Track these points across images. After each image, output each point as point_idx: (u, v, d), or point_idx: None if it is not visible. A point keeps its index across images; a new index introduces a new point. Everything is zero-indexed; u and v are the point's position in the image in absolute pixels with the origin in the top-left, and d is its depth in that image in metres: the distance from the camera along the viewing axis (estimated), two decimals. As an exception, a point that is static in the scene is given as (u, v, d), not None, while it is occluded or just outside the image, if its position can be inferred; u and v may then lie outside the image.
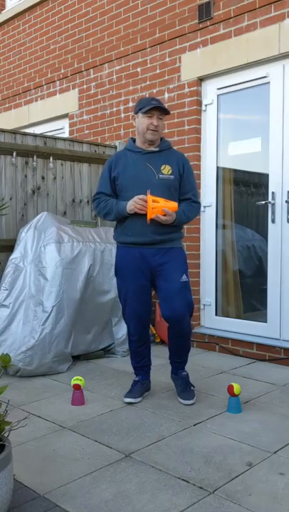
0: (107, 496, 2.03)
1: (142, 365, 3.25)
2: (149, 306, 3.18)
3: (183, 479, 2.17)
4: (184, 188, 3.13)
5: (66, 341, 3.84)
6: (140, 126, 3.07)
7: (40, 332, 3.69)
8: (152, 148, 3.10)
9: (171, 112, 4.74)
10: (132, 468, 2.27)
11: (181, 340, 3.14)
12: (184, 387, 3.15)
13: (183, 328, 3.08)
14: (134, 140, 3.20)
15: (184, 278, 3.06)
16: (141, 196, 2.93)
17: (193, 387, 3.19)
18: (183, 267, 3.10)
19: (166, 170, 3.06)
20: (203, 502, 1.99)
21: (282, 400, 3.18)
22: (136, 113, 3.12)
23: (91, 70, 5.64)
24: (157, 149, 3.11)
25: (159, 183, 3.03)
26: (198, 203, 3.18)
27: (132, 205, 2.96)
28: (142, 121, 3.06)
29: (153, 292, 3.20)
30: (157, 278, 3.08)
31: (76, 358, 4.08)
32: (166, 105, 3.20)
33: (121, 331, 4.26)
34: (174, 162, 3.10)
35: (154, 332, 4.73)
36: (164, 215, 2.92)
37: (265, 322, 4.22)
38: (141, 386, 3.18)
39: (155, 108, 3.02)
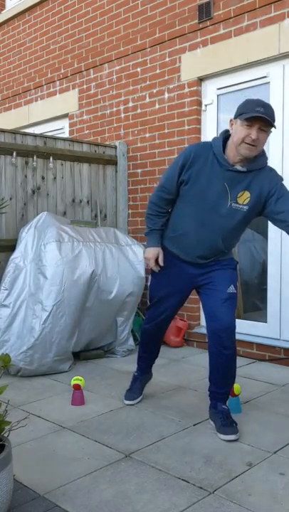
0: (107, 496, 2.03)
1: (147, 356, 3.12)
2: (175, 312, 2.94)
3: (183, 479, 2.17)
4: (279, 208, 2.53)
5: (67, 340, 3.83)
6: (235, 136, 2.49)
7: (41, 331, 3.69)
8: (239, 168, 2.54)
9: (171, 112, 4.75)
10: (132, 468, 2.27)
11: (223, 365, 2.68)
12: (225, 421, 2.62)
13: (226, 346, 2.64)
14: (225, 140, 2.59)
15: (232, 289, 2.67)
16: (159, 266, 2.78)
17: (236, 424, 2.62)
18: (230, 278, 2.70)
19: (243, 198, 2.55)
20: (203, 502, 1.99)
21: (282, 399, 3.18)
22: (235, 117, 2.53)
23: (91, 70, 5.64)
24: (244, 169, 2.54)
25: (227, 212, 2.57)
26: None
27: (147, 258, 2.82)
28: (238, 130, 2.47)
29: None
30: (202, 287, 2.76)
31: (76, 358, 4.08)
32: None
33: (124, 331, 4.27)
34: (258, 188, 2.56)
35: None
36: None
37: (265, 322, 4.22)
38: (140, 383, 3.15)
39: (258, 118, 2.43)
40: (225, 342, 2.63)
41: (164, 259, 2.82)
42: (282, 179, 2.64)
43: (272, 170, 2.68)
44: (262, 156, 2.60)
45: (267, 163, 2.64)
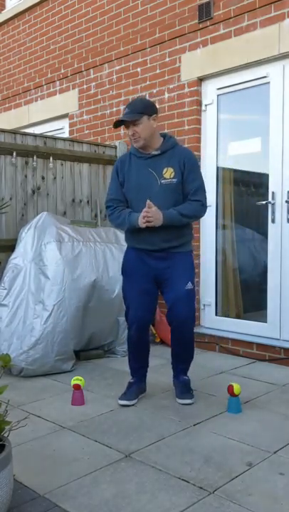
0: (107, 496, 2.03)
1: (139, 366, 3.23)
2: (151, 310, 3.15)
3: (183, 479, 2.17)
4: (185, 188, 2.98)
5: (69, 340, 3.82)
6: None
7: (42, 331, 3.69)
8: (154, 152, 3.00)
9: (171, 112, 4.75)
10: (132, 468, 2.27)
11: (184, 347, 3.16)
12: (183, 389, 3.13)
13: (184, 334, 3.10)
14: None
15: (189, 285, 3.03)
16: (145, 210, 2.87)
17: (192, 392, 3.15)
18: (188, 274, 3.05)
19: (169, 173, 2.95)
20: (203, 502, 1.99)
21: (282, 399, 3.18)
22: None
23: (91, 70, 5.64)
24: (158, 152, 3.00)
25: (161, 189, 2.95)
26: (199, 201, 2.99)
27: (141, 221, 2.90)
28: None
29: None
30: (163, 284, 3.06)
31: (76, 358, 4.06)
32: (152, 106, 3.05)
33: (125, 331, 4.25)
34: (176, 162, 2.97)
35: (154, 332, 4.72)
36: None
37: (265, 322, 4.22)
38: (136, 388, 3.17)
39: (121, 122, 2.97)
40: (184, 331, 3.09)
41: (130, 259, 3.10)
42: (195, 158, 3.07)
43: (185, 148, 3.24)
44: (169, 138, 3.06)
45: (176, 142, 3.08)
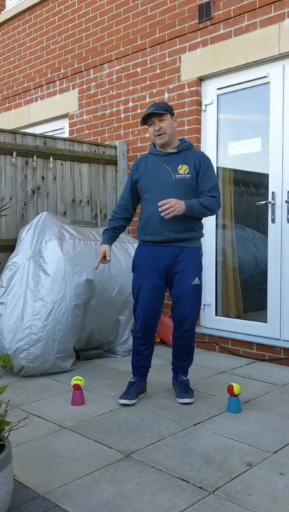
0: (107, 496, 2.03)
1: (140, 365, 3.24)
2: (158, 306, 3.20)
3: (183, 479, 2.17)
4: (200, 186, 3.11)
5: (70, 338, 3.82)
6: (151, 137, 3.20)
7: (43, 328, 3.68)
8: (170, 150, 3.16)
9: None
10: (132, 468, 2.27)
11: (184, 345, 3.22)
12: (183, 388, 3.16)
13: (186, 330, 3.16)
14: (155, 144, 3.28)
15: (196, 281, 3.12)
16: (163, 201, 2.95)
17: (192, 391, 3.17)
18: (196, 270, 3.13)
19: (183, 169, 3.09)
20: (203, 502, 1.99)
21: (282, 400, 3.18)
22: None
23: (91, 70, 5.65)
24: (175, 150, 3.15)
25: (175, 183, 3.07)
26: (215, 197, 3.11)
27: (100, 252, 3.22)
28: (149, 132, 3.19)
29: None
30: (170, 278, 3.13)
31: (76, 358, 4.07)
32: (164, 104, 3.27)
33: (126, 330, 4.26)
34: (192, 161, 3.12)
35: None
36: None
37: (265, 322, 4.22)
38: (136, 388, 3.17)
39: (150, 115, 3.10)
40: (185, 327, 3.16)
41: (141, 255, 3.19)
42: (210, 160, 3.22)
43: (201, 152, 3.37)
44: (185, 141, 3.24)
45: (192, 145, 3.27)
